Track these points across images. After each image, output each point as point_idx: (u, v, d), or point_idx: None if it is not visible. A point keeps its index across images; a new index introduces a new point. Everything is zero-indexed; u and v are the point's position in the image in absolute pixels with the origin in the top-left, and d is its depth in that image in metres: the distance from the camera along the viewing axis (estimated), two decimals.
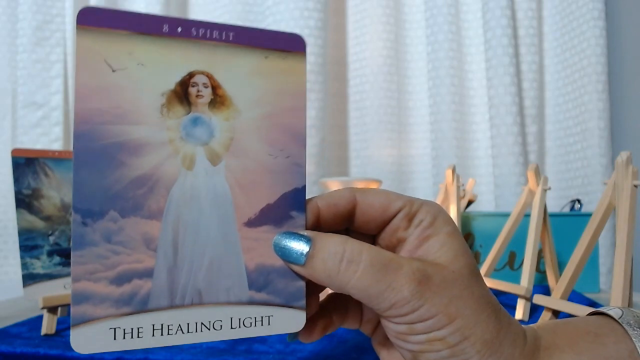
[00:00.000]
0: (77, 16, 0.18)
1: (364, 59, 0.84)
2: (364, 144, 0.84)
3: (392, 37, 0.83)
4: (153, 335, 0.19)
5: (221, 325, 0.20)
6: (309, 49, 0.74)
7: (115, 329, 0.18)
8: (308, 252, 0.19)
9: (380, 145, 0.82)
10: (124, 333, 0.18)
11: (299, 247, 0.20)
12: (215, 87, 0.20)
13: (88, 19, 0.18)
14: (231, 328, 0.20)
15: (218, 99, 0.20)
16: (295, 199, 0.21)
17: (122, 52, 0.19)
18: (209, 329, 0.20)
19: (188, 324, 0.19)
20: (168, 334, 0.19)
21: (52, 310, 0.43)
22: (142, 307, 0.19)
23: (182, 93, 0.20)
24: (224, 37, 0.20)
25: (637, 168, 0.35)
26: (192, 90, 0.20)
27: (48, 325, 0.43)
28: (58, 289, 0.45)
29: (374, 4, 0.82)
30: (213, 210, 0.20)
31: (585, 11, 0.75)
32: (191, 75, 0.20)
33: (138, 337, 0.19)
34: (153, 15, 0.19)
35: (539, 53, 0.79)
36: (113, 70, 0.19)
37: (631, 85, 0.74)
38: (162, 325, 0.19)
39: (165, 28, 0.19)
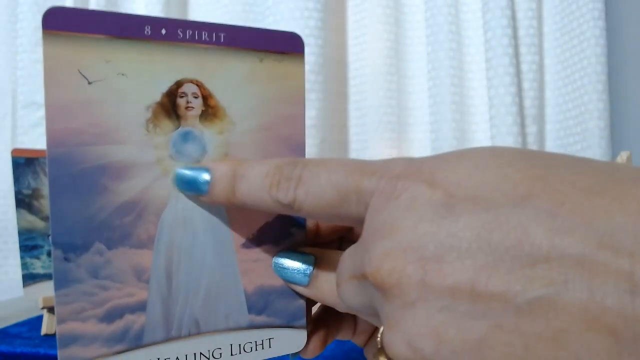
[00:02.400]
0: (43, 19, 0.15)
1: (364, 59, 0.84)
2: (364, 144, 0.84)
3: (392, 37, 0.83)
4: None
5: (221, 354, 0.19)
6: (308, 49, 0.74)
7: None
8: (312, 272, 0.19)
9: (380, 145, 0.82)
10: None
11: (302, 267, 0.19)
12: (206, 97, 0.18)
13: (56, 22, 0.16)
14: (231, 355, 0.19)
15: (210, 111, 0.18)
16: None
17: (98, 61, 0.16)
18: (208, 358, 0.18)
19: (186, 355, 0.18)
20: None
21: (52, 310, 0.43)
22: (137, 343, 0.17)
23: (170, 105, 0.18)
24: (214, 39, 0.18)
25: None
26: (181, 102, 0.18)
27: (48, 325, 0.43)
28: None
29: (374, 4, 0.82)
30: (208, 233, 0.18)
31: (585, 11, 0.75)
32: (179, 84, 0.18)
33: None
34: (132, 15, 0.17)
35: (539, 53, 0.79)
36: (89, 82, 0.16)
37: (631, 85, 0.74)
38: (158, 359, 0.18)
39: (147, 30, 0.17)
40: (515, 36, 0.78)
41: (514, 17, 0.78)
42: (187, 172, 0.18)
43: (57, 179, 0.16)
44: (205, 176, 0.18)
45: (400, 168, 0.15)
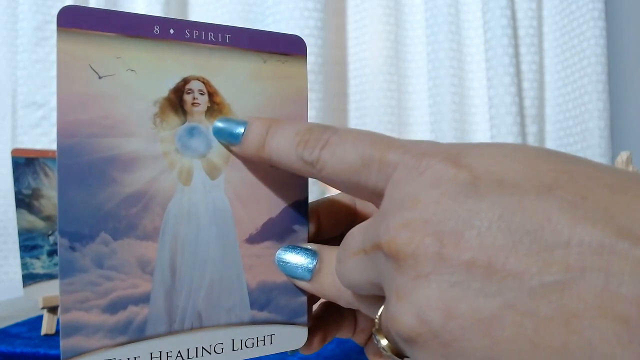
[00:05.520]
0: (57, 17, 0.16)
1: (364, 59, 0.84)
2: None
3: (392, 37, 0.83)
4: None
5: (222, 348, 0.19)
6: (308, 50, 0.74)
7: None
8: (314, 267, 0.19)
9: None
10: None
11: (304, 262, 0.19)
12: (212, 94, 0.19)
13: (70, 20, 0.16)
14: (233, 350, 0.19)
15: (215, 107, 0.19)
16: (298, 211, 0.20)
17: (109, 57, 0.17)
18: (210, 353, 0.18)
19: (188, 349, 0.18)
20: None
21: (52, 310, 0.43)
22: (139, 335, 0.17)
23: (177, 101, 0.18)
24: (220, 40, 0.19)
25: (637, 168, 0.35)
26: (188, 98, 0.18)
27: (48, 325, 0.43)
28: (58, 289, 0.45)
29: (374, 4, 0.82)
30: (212, 227, 0.19)
31: (585, 11, 0.75)
32: (186, 81, 0.18)
33: None
34: (142, 15, 0.17)
35: (539, 53, 0.79)
36: (100, 77, 0.17)
37: (631, 85, 0.74)
38: (160, 352, 0.18)
39: (157, 30, 0.18)
40: (515, 36, 0.78)
41: (514, 17, 0.78)
42: (226, 122, 0.19)
43: (66, 168, 0.16)
44: (240, 128, 0.19)
45: (427, 147, 0.15)
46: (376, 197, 0.16)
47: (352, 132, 0.17)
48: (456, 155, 0.14)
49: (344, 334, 0.22)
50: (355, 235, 0.17)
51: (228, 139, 0.19)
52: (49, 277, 0.45)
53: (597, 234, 0.11)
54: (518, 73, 0.77)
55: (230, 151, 0.19)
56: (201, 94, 0.19)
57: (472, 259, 0.12)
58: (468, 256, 0.12)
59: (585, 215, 0.11)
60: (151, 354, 0.18)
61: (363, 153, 0.16)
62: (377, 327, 0.16)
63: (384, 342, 0.16)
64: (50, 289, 0.44)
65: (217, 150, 0.19)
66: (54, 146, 0.82)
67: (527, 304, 0.11)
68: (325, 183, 0.18)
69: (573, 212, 0.11)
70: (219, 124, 0.19)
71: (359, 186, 0.17)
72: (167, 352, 0.18)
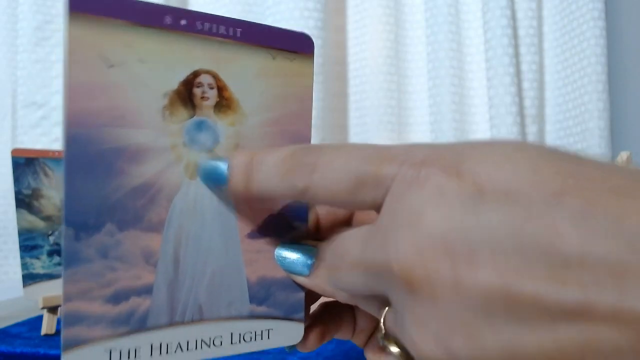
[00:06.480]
0: (69, 0, 0.15)
1: (364, 59, 0.84)
2: None
3: (392, 37, 0.83)
4: (151, 355, 0.17)
5: (221, 341, 0.19)
6: None
7: (111, 350, 0.17)
8: (313, 263, 0.19)
9: None
10: (121, 354, 0.17)
11: (303, 257, 0.19)
12: (221, 89, 0.18)
13: (82, 3, 0.16)
14: (231, 343, 0.19)
15: (224, 102, 0.19)
16: (299, 208, 0.20)
17: (119, 45, 0.16)
18: (209, 346, 0.19)
19: (188, 341, 0.18)
20: (167, 352, 0.18)
21: (52, 310, 0.43)
22: (141, 326, 0.17)
23: (186, 94, 0.18)
24: (230, 34, 0.18)
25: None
26: (197, 92, 0.18)
27: (48, 325, 0.43)
28: (58, 289, 0.45)
29: (374, 4, 0.82)
30: (216, 221, 0.19)
31: (585, 11, 0.75)
32: (196, 74, 0.18)
33: (135, 357, 0.17)
34: (154, 4, 0.17)
35: (539, 53, 0.79)
36: (109, 66, 0.16)
37: (631, 85, 0.74)
38: (160, 344, 0.18)
39: (168, 20, 0.17)
40: (515, 36, 0.78)
41: (514, 17, 0.78)
42: (207, 164, 0.18)
43: (74, 157, 0.16)
44: (223, 166, 0.18)
45: (423, 154, 0.14)
46: (374, 209, 0.16)
47: (340, 149, 0.16)
48: (456, 162, 0.13)
49: (342, 334, 0.22)
50: (351, 247, 0.16)
51: (216, 182, 0.18)
52: (49, 277, 0.45)
53: (610, 249, 0.11)
54: (518, 73, 0.77)
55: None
56: (211, 88, 0.18)
57: (489, 286, 0.12)
58: (485, 283, 0.12)
59: (596, 227, 0.11)
60: (152, 344, 0.18)
61: (357, 171, 0.15)
62: (383, 332, 0.16)
63: (394, 349, 0.16)
64: (50, 289, 0.44)
65: (224, 146, 0.19)
66: (54, 146, 0.82)
67: (548, 327, 0.11)
68: (323, 205, 0.17)
69: (583, 224, 0.11)
70: (204, 166, 0.18)
71: (356, 204, 0.16)
72: (168, 344, 0.18)
